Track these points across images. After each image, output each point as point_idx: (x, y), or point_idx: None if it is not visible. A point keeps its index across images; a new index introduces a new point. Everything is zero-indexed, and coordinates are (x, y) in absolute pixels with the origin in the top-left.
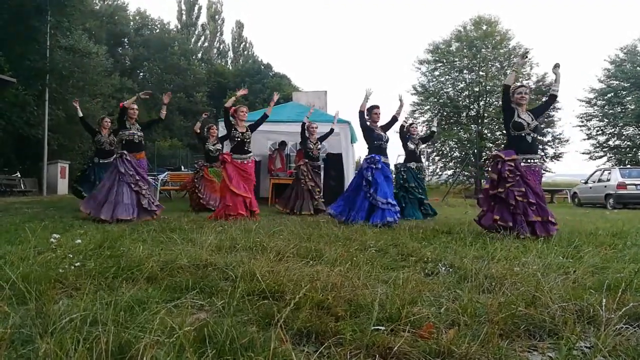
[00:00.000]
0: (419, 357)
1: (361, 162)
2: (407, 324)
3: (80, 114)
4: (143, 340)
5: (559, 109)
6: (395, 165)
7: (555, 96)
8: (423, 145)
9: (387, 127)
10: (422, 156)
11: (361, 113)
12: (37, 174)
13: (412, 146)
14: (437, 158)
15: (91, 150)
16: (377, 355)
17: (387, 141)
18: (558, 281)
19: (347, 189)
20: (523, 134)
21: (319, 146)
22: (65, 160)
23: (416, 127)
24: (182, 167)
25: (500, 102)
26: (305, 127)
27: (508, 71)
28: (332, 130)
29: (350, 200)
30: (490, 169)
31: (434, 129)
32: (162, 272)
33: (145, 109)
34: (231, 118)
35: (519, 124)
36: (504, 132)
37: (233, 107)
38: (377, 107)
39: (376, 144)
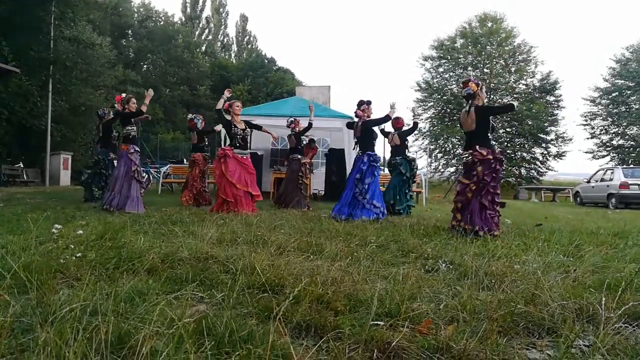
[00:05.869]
0: (417, 353)
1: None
2: (406, 320)
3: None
4: (142, 331)
5: (562, 107)
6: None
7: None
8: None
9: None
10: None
11: (389, 118)
12: (40, 164)
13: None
14: (439, 155)
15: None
16: (376, 350)
17: None
18: (558, 279)
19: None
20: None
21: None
22: (68, 151)
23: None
24: (185, 160)
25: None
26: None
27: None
28: (310, 125)
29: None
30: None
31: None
32: (163, 264)
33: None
34: (225, 114)
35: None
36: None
37: (227, 102)
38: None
39: (375, 142)
